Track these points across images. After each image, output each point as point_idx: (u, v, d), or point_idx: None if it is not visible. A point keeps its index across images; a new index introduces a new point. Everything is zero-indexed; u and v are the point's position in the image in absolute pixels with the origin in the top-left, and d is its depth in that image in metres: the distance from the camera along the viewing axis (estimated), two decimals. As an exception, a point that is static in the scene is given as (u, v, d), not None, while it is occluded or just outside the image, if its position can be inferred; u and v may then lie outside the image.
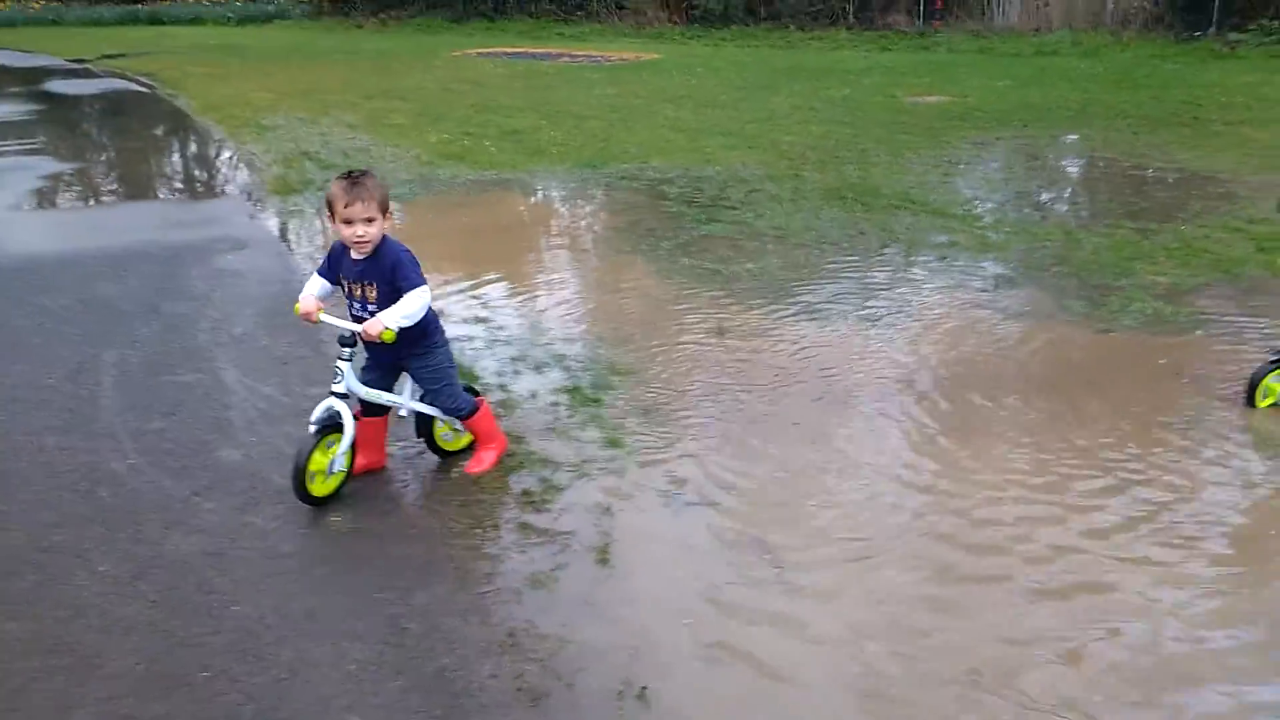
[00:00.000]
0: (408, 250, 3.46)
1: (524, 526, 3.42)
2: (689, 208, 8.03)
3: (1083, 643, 2.81)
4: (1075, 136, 11.02)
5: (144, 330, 5.23)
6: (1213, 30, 19.03)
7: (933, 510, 3.53)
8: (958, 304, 5.69)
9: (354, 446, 3.52)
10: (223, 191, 9.31)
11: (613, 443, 4.03)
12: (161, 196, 9.16)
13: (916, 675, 2.71)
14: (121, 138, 12.45)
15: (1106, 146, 10.31)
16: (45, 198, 8.66)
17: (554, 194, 8.93)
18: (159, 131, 12.99)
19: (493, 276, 6.35)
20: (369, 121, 12.41)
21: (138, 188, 9.48)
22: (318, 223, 7.80)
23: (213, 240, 7.18)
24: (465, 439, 3.91)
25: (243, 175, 9.75)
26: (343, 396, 3.46)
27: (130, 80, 18.43)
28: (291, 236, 7.33)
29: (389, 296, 3.40)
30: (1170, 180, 8.73)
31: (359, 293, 3.47)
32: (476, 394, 3.88)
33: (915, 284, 6.11)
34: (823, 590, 3.08)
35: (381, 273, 3.41)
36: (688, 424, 4.25)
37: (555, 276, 6.50)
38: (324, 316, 3.46)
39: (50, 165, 10.11)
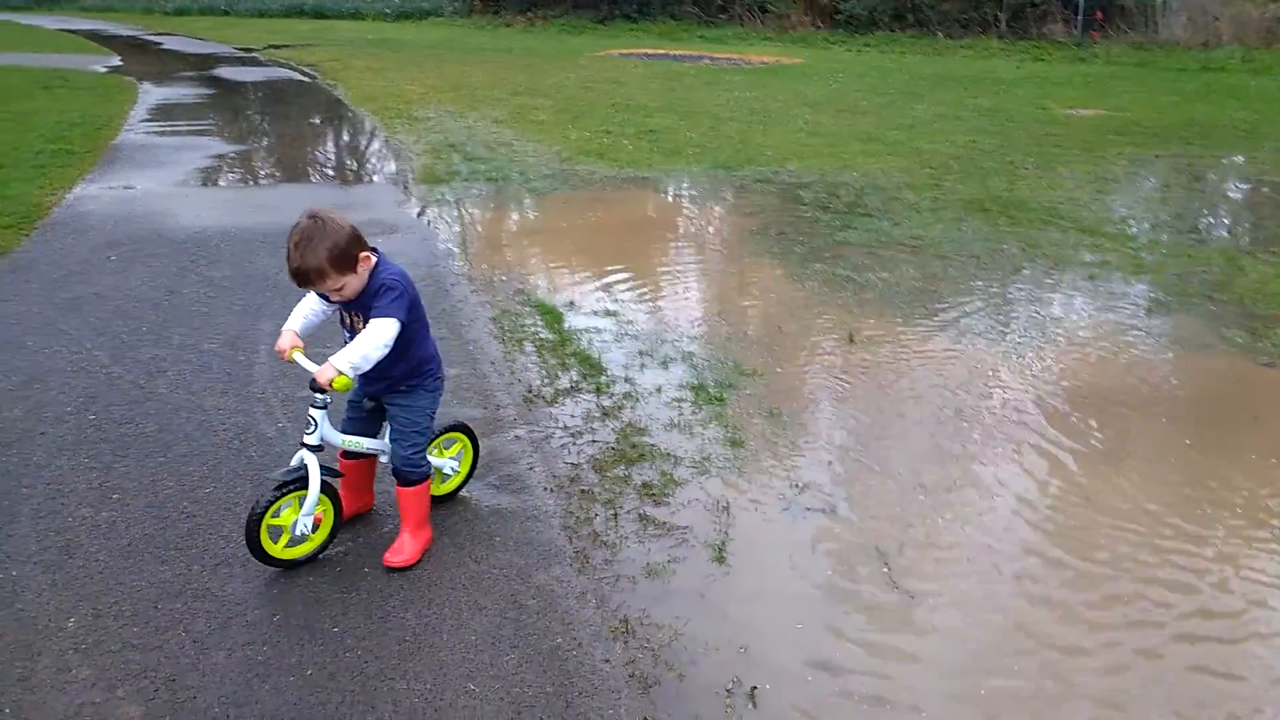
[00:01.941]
0: (400, 276, 3.00)
1: (643, 518, 3.46)
2: (824, 213, 7.94)
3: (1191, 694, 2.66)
4: (1242, 157, 10.36)
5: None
6: None
7: (1057, 540, 3.40)
8: (1104, 327, 5.45)
9: (334, 505, 3.10)
10: (374, 178, 9.74)
11: (734, 442, 4.04)
12: (317, 180, 9.66)
13: (1026, 709, 2.62)
14: (283, 123, 13.18)
15: (1277, 169, 9.65)
16: (211, 176, 9.26)
17: (688, 194, 8.98)
18: (318, 119, 13.69)
19: (624, 272, 6.43)
20: (513, 117, 12.75)
21: (296, 171, 10.01)
22: (459, 210, 8.08)
23: (363, 224, 7.42)
24: (453, 481, 3.53)
25: (393, 164, 10.17)
26: (316, 449, 3.00)
27: (293, 70, 19.47)
28: (435, 224, 7.61)
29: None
30: (1350, 208, 8.11)
31: (349, 322, 3.07)
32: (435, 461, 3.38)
33: (1058, 303, 5.88)
34: (938, 611, 3.01)
35: (367, 302, 2.96)
36: (811, 429, 4.22)
37: (686, 275, 6.54)
38: (298, 357, 2.99)
39: (217, 146, 10.79)
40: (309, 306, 3.09)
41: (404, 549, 3.14)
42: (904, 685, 2.69)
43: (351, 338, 3.01)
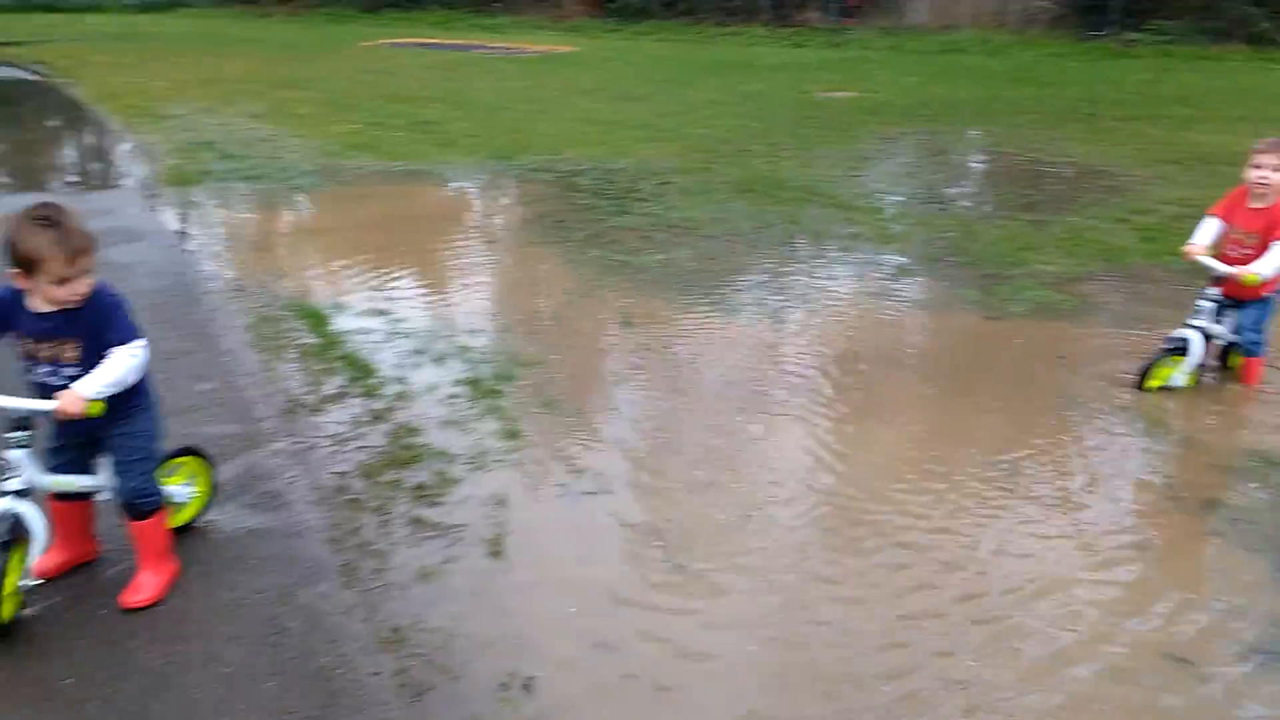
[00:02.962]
0: (118, 294, 2.75)
1: (416, 521, 3.35)
2: (600, 200, 8.00)
3: (956, 624, 2.88)
4: (978, 132, 11.32)
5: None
6: (1111, 30, 19.76)
7: (831, 497, 3.57)
8: (860, 293, 5.79)
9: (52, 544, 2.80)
10: (117, 182, 8.95)
11: (511, 434, 3.98)
12: (52, 188, 8.76)
13: (807, 670, 2.74)
14: (10, 128, 11.88)
15: (1007, 141, 10.62)
16: (-79, 188, 8.22)
17: (464, 185, 8.81)
18: (51, 122, 12.43)
19: (397, 269, 6.22)
20: (273, 111, 12.07)
21: (25, 179, 9.05)
22: (212, 213, 7.55)
23: (105, 232, 6.85)
24: (189, 510, 3.19)
25: (138, 166, 9.38)
26: (23, 494, 2.65)
27: (21, 68, 17.60)
28: (185, 229, 7.08)
29: (95, 356, 2.65)
30: (1064, 174, 9.03)
31: (48, 354, 2.66)
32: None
33: (819, 274, 6.20)
34: (716, 582, 3.08)
35: (86, 327, 2.64)
36: (589, 415, 4.23)
37: (462, 268, 6.41)
38: (5, 402, 2.62)
39: (-72, 154, 9.59)
40: None
41: (143, 587, 2.86)
42: (683, 665, 2.73)
43: (52, 372, 2.68)
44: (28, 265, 2.52)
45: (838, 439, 4.01)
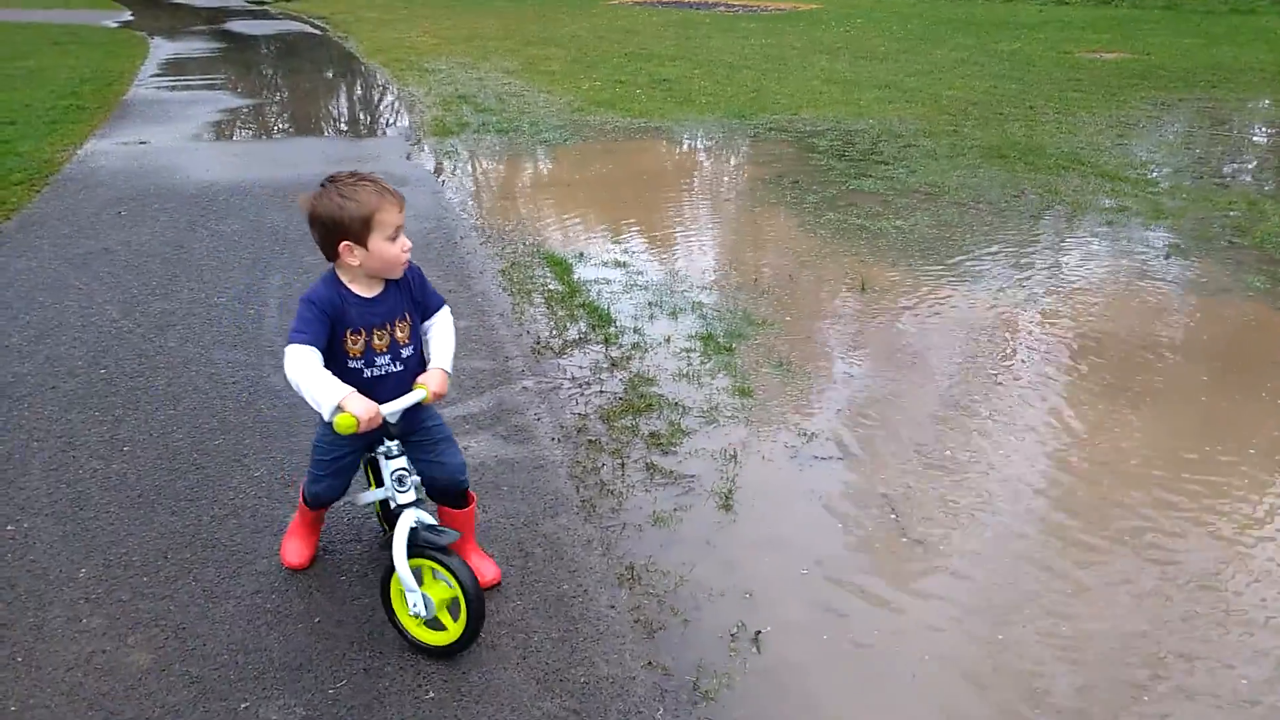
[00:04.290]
0: None
1: (650, 467, 3.46)
2: (839, 161, 7.82)
3: (1195, 639, 2.65)
4: (1267, 101, 10.10)
5: (309, 257, 5.52)
6: None
7: (1072, 490, 3.37)
8: (1122, 272, 5.36)
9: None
10: (384, 131, 9.67)
11: (743, 391, 4.01)
12: (328, 133, 9.60)
13: (1026, 657, 2.62)
14: (294, 77, 13.08)
15: (1308, 111, 9.42)
16: (223, 130, 9.22)
17: (700, 143, 8.86)
18: (329, 72, 13.57)
19: (635, 223, 6.37)
20: (525, 67, 12.60)
21: (307, 124, 9.95)
22: (469, 163, 8.01)
23: (372, 176, 7.49)
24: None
25: (404, 116, 10.09)
26: (420, 503, 2.51)
27: (304, 22, 19.29)
28: (445, 176, 7.56)
29: (416, 329, 2.56)
30: (1380, 150, 7.91)
31: (385, 341, 2.46)
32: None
33: (1076, 249, 5.79)
34: (946, 559, 3.00)
35: (410, 298, 2.52)
36: (821, 378, 4.19)
37: (697, 225, 6.47)
38: (386, 410, 2.37)
39: (229, 100, 10.73)
40: (319, 361, 2.34)
41: (485, 566, 2.80)
42: (907, 634, 2.69)
43: (392, 359, 2.47)
44: (361, 226, 2.31)
45: (1084, 424, 3.76)
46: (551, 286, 5.13)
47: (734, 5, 20.90)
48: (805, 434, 3.71)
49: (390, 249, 2.38)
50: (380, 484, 2.65)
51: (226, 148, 8.56)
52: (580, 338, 4.50)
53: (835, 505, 3.28)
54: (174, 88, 11.51)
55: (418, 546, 2.44)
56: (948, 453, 3.57)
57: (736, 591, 2.84)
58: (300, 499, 2.81)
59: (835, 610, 2.77)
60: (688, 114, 9.78)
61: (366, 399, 2.31)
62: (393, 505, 2.50)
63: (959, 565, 2.96)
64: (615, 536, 3.07)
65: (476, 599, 2.43)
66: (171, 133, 8.89)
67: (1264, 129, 9.32)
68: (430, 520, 2.49)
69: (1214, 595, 2.81)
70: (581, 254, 5.68)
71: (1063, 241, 5.91)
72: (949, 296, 5.02)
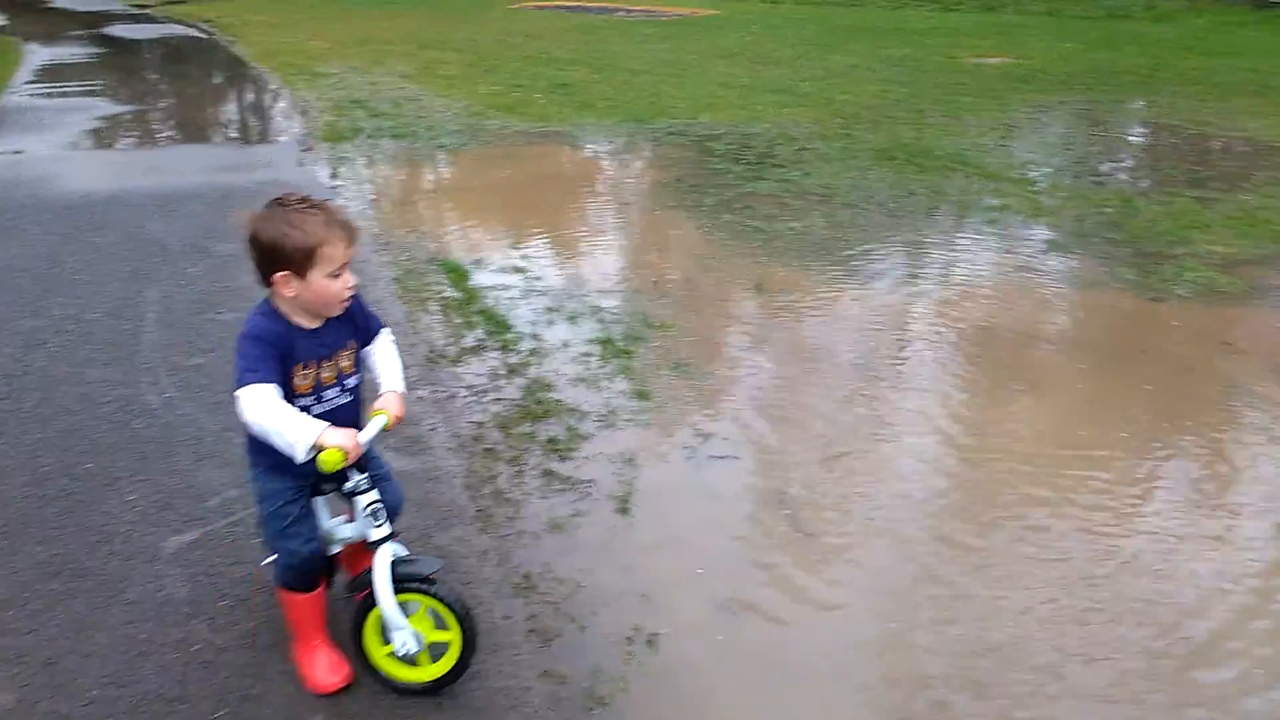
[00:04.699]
0: None
1: (548, 473, 3.43)
2: (735, 165, 7.92)
3: (1085, 608, 2.76)
4: (1141, 102, 10.63)
5: (190, 269, 5.31)
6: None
7: (960, 479, 3.47)
8: (1005, 267, 5.56)
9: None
10: (275, 137, 9.39)
11: (641, 394, 4.02)
12: (215, 140, 9.27)
13: (922, 640, 2.68)
14: (179, 82, 12.61)
15: (1172, 113, 9.93)
16: (101, 138, 8.81)
17: (600, 148, 8.86)
18: (216, 77, 13.12)
19: (534, 228, 6.33)
20: (421, 72, 12.40)
21: (192, 131, 9.60)
22: (363, 169, 7.84)
23: (262, 184, 7.24)
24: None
25: (295, 122, 9.81)
26: (393, 536, 2.35)
27: (190, 26, 18.62)
28: (338, 183, 7.38)
29: (359, 356, 2.43)
30: (1236, 149, 8.40)
31: (332, 373, 2.32)
32: None
33: (962, 247, 5.98)
34: (840, 551, 3.05)
35: (353, 324, 2.38)
36: (719, 379, 4.23)
37: (596, 229, 6.47)
38: (362, 438, 2.23)
39: (109, 107, 10.27)
40: (280, 396, 2.17)
41: None
42: (803, 632, 2.72)
43: (339, 390, 2.33)
44: (303, 258, 2.13)
45: (972, 413, 3.89)
46: (448, 294, 5.05)
47: (633, 10, 21.01)
48: (703, 434, 3.74)
49: (331, 287, 2.18)
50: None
51: (106, 157, 8.19)
52: (477, 345, 4.44)
53: (732, 505, 3.31)
54: (50, 95, 10.97)
55: (400, 581, 2.30)
56: (845, 449, 3.64)
57: (634, 595, 2.83)
58: (283, 590, 2.41)
59: (731, 610, 2.79)
60: (587, 118, 9.77)
61: (343, 429, 2.16)
62: (367, 542, 2.32)
63: (855, 562, 3.01)
64: (511, 546, 3.03)
65: (469, 619, 2.35)
66: (47, 142, 8.46)
67: (1137, 129, 9.79)
68: (404, 552, 2.37)
69: (1107, 588, 2.92)
70: (479, 260, 5.61)
71: (950, 240, 6.10)
72: (843, 295, 5.13)
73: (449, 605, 2.34)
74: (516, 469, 3.45)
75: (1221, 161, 8.06)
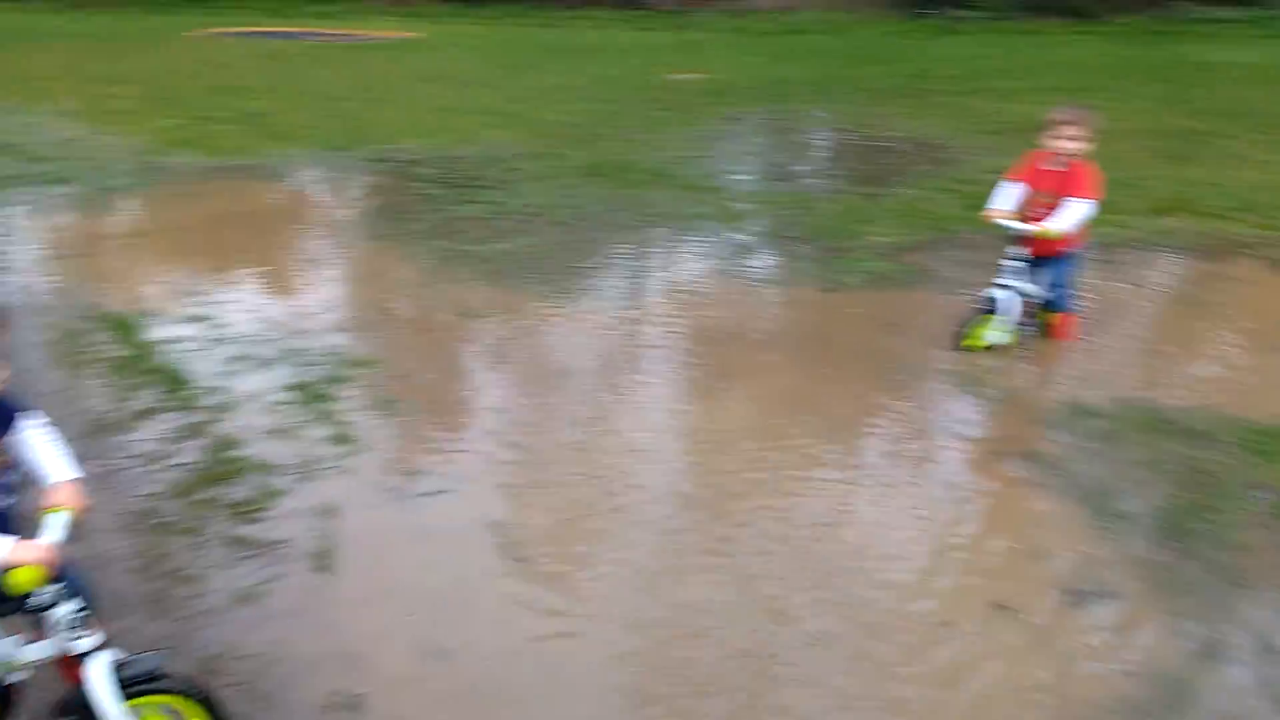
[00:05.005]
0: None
1: (235, 540, 3.15)
2: (443, 188, 7.79)
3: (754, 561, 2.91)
4: (818, 110, 11.59)
5: None
6: (941, 8, 20.60)
7: (677, 477, 3.55)
8: (705, 272, 5.82)
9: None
10: (-96, 192, 8.13)
11: (342, 439, 3.80)
12: None
13: (650, 664, 2.71)
14: None
15: (845, 118, 10.90)
16: None
17: (297, 179, 8.41)
18: None
19: (219, 271, 5.88)
20: (88, 109, 11.25)
21: None
22: (18, 223, 6.96)
23: (-116, 247, 6.25)
24: None
25: (-71, 172, 8.55)
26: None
27: None
28: (-15, 239, 6.50)
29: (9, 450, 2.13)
30: (897, 148, 9.34)
31: None
32: None
33: (667, 256, 6.22)
34: (558, 577, 3.02)
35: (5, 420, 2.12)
36: (428, 413, 4.09)
37: (291, 267, 6.11)
38: (51, 540, 2.02)
39: None
40: None
41: None
42: (526, 668, 2.66)
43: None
44: None
45: (682, 418, 4.01)
46: (112, 353, 4.55)
47: (331, 35, 20.26)
48: (412, 472, 3.60)
49: None
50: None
51: None
52: (149, 407, 4.02)
53: (444, 542, 3.19)
54: None
55: (127, 686, 2.02)
56: (560, 471, 3.62)
57: (336, 656, 2.66)
58: None
59: (443, 653, 2.68)
60: (282, 149, 9.26)
61: (29, 541, 1.88)
62: (70, 656, 2.00)
63: (574, 587, 2.98)
64: (192, 628, 2.75)
65: (213, 701, 2.16)
66: None
67: (814, 135, 10.65)
68: (121, 654, 2.06)
69: (842, 577, 3.07)
70: (153, 312, 5.11)
71: (654, 250, 6.31)
72: (556, 313, 5.14)
73: (188, 695, 2.13)
74: (196, 540, 3.14)
75: (886, 159, 8.93)
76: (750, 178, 8.29)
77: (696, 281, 5.66)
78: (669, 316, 5.13)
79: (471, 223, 6.87)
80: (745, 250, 6.19)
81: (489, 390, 4.33)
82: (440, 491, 3.48)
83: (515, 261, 6.00)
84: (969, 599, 2.86)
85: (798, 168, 8.90)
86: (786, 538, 3.17)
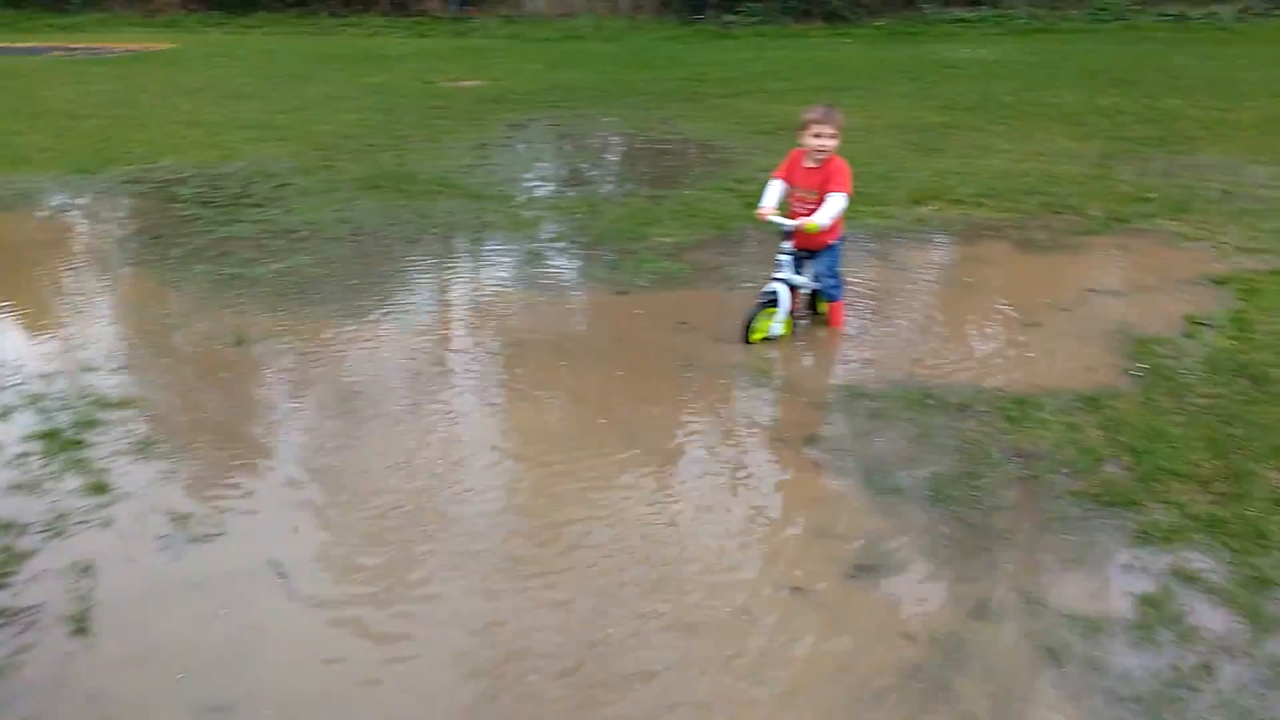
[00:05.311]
0: None
1: (-27, 612, 2.80)
2: (206, 209, 7.29)
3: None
4: (599, 115, 11.71)
5: None
6: (711, 13, 21.37)
7: (480, 509, 3.46)
8: (493, 282, 5.73)
9: None
10: None
11: (98, 489, 3.46)
12: None
13: (463, 704, 2.61)
14: None
15: (625, 122, 11.09)
16: None
17: (37, 206, 7.63)
18: None
19: (-55, 312, 5.23)
20: None
21: None
22: None
23: None
24: None
25: None
26: None
27: None
28: None
29: None
30: (677, 150, 9.59)
31: None
32: None
33: (453, 267, 6.08)
34: (353, 620, 2.86)
35: None
36: (194, 451, 3.79)
37: (32, 304, 5.53)
38: None
39: None
40: None
41: None
42: (318, 711, 2.50)
43: None
44: None
45: (478, 432, 3.92)
46: None
47: (74, 49, 18.56)
48: (179, 518, 3.32)
49: None
50: None
51: None
52: None
53: (218, 589, 2.96)
54: None
55: None
56: (350, 498, 3.44)
57: (97, 731, 2.40)
58: None
59: (221, 709, 2.47)
60: (19, 174, 8.38)
61: None
62: None
63: (360, 622, 2.83)
64: (-82, 719, 2.41)
65: None
66: None
67: (597, 139, 10.74)
68: None
69: (645, 579, 3.05)
70: None
71: (442, 262, 6.15)
72: (336, 333, 4.91)
73: None
74: (-76, 620, 2.76)
75: (667, 161, 9.14)
76: (536, 184, 8.27)
77: (487, 293, 5.57)
78: (458, 331, 5.02)
79: (240, 243, 6.46)
80: (536, 257, 6.15)
81: (267, 421, 4.07)
82: (214, 535, 3.24)
83: (290, 283, 5.69)
84: (766, 586, 2.94)
85: (583, 172, 8.96)
86: (594, 545, 3.16)
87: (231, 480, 3.58)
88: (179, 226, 6.86)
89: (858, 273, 5.60)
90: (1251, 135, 9.48)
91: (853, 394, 4.16)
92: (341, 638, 2.75)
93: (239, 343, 4.81)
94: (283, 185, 8.04)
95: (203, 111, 11.57)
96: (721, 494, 3.44)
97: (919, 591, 2.91)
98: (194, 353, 4.74)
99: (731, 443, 3.81)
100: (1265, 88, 12.20)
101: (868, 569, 3.01)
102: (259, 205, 7.41)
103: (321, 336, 4.88)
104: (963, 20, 20.54)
